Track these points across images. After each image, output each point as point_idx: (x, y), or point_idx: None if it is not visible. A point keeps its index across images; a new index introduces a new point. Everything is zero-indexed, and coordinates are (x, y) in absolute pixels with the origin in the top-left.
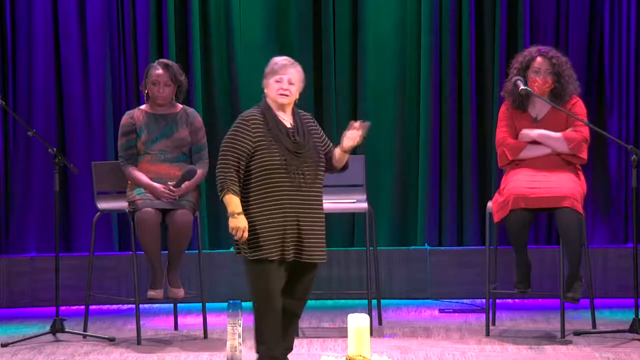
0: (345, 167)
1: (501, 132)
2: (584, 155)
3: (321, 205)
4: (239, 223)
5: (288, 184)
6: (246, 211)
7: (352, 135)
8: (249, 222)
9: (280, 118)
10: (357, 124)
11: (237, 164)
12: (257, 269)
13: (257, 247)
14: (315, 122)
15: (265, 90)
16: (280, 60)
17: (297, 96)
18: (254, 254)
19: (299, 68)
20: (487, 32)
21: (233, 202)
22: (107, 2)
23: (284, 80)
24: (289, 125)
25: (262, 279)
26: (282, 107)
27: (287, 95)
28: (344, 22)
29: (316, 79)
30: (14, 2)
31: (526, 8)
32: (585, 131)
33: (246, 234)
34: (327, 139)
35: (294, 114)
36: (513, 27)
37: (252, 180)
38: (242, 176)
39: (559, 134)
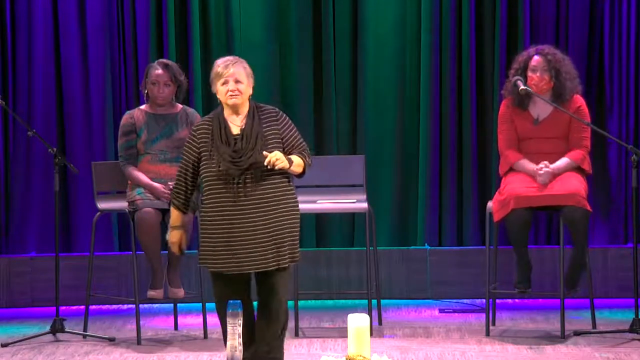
0: (301, 174)
1: (500, 140)
2: (589, 168)
3: (269, 210)
4: (171, 237)
5: (224, 192)
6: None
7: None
8: (199, 231)
9: (229, 123)
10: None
11: (184, 175)
12: (211, 277)
13: (200, 256)
14: (282, 119)
15: (218, 96)
16: (222, 62)
17: (250, 92)
18: (199, 262)
19: (244, 64)
20: (487, 32)
21: (172, 215)
22: (107, 2)
23: (230, 81)
24: (237, 131)
25: (212, 286)
26: (235, 109)
27: (237, 96)
28: (344, 22)
29: (316, 79)
30: (14, 2)
31: (526, 8)
32: (587, 144)
33: (176, 248)
34: (293, 138)
35: (251, 114)
36: (513, 27)
37: (203, 190)
38: (189, 186)
39: (568, 160)
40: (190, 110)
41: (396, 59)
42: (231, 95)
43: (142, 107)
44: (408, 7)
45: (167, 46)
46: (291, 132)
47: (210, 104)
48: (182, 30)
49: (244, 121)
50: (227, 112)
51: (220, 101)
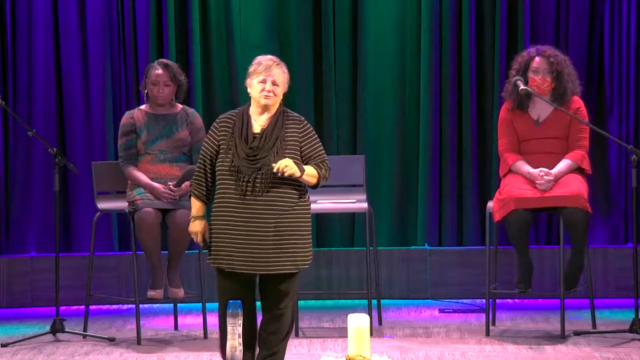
0: (315, 186)
1: (501, 144)
2: (589, 167)
3: (273, 215)
4: (193, 227)
5: (233, 190)
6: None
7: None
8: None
9: (252, 121)
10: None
11: (203, 167)
12: (216, 274)
13: (209, 254)
14: (305, 127)
15: (249, 90)
16: (265, 60)
17: (282, 97)
18: (208, 260)
19: (284, 68)
20: (487, 32)
21: (194, 206)
22: (107, 2)
23: (268, 82)
24: (258, 129)
25: (217, 285)
26: (265, 108)
27: (270, 97)
28: (344, 22)
29: (316, 79)
30: (14, 2)
31: (526, 8)
32: (586, 144)
33: (200, 238)
34: (312, 148)
35: (276, 116)
36: (513, 27)
37: (216, 184)
38: (209, 177)
39: (568, 162)
40: (191, 110)
41: (396, 59)
42: (266, 96)
43: (142, 107)
44: (408, 7)
45: (167, 46)
46: (311, 142)
47: (210, 102)
48: (182, 30)
49: (268, 122)
50: (253, 110)
51: (250, 96)
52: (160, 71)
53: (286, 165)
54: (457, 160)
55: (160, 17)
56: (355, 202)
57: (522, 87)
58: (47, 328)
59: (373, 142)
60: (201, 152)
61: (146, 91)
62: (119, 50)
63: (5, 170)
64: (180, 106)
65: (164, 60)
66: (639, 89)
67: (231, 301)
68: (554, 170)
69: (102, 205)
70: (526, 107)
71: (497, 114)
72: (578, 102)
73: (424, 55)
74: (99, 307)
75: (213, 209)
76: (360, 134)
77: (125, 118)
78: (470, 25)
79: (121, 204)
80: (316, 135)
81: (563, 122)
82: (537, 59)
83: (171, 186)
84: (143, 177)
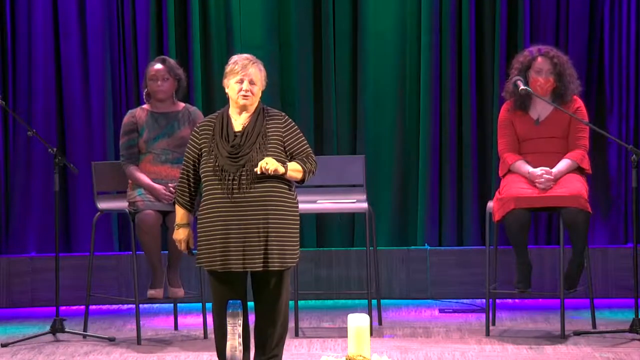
0: (301, 181)
1: (500, 144)
2: (589, 167)
3: (261, 211)
4: (177, 235)
5: (219, 190)
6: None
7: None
8: (197, 229)
9: (232, 120)
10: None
11: (187, 173)
12: (208, 276)
13: (198, 256)
14: (287, 123)
15: (226, 90)
16: (240, 59)
17: (260, 95)
18: (196, 262)
19: (260, 66)
20: (487, 32)
21: (178, 213)
22: (107, 2)
23: (245, 82)
24: (239, 128)
25: (210, 287)
26: (243, 108)
27: (248, 97)
28: (344, 22)
29: (316, 79)
30: (14, 2)
31: (526, 8)
32: (586, 144)
33: (184, 246)
34: (296, 144)
35: (256, 114)
36: (513, 27)
37: (202, 186)
38: (192, 184)
39: (568, 161)
40: (193, 108)
41: (396, 59)
42: (243, 96)
43: (144, 106)
44: (408, 7)
45: (167, 46)
46: (295, 138)
47: (210, 103)
48: (182, 30)
49: (248, 119)
50: (232, 110)
51: (228, 96)
52: (157, 66)
53: (267, 163)
54: (457, 160)
55: (160, 17)
56: (355, 202)
57: (522, 87)
58: (47, 328)
59: (373, 142)
60: (184, 159)
61: (146, 90)
62: (119, 50)
63: (5, 170)
64: (182, 104)
65: (162, 56)
66: (639, 89)
67: (231, 301)
68: (554, 170)
69: (102, 205)
70: (527, 107)
71: (497, 114)
72: (578, 102)
73: (424, 56)
74: (99, 307)
75: (200, 212)
76: (360, 134)
77: (127, 117)
78: (470, 26)
79: (121, 204)
80: (299, 130)
81: (563, 122)
82: (539, 59)
83: (171, 188)
84: (144, 178)
